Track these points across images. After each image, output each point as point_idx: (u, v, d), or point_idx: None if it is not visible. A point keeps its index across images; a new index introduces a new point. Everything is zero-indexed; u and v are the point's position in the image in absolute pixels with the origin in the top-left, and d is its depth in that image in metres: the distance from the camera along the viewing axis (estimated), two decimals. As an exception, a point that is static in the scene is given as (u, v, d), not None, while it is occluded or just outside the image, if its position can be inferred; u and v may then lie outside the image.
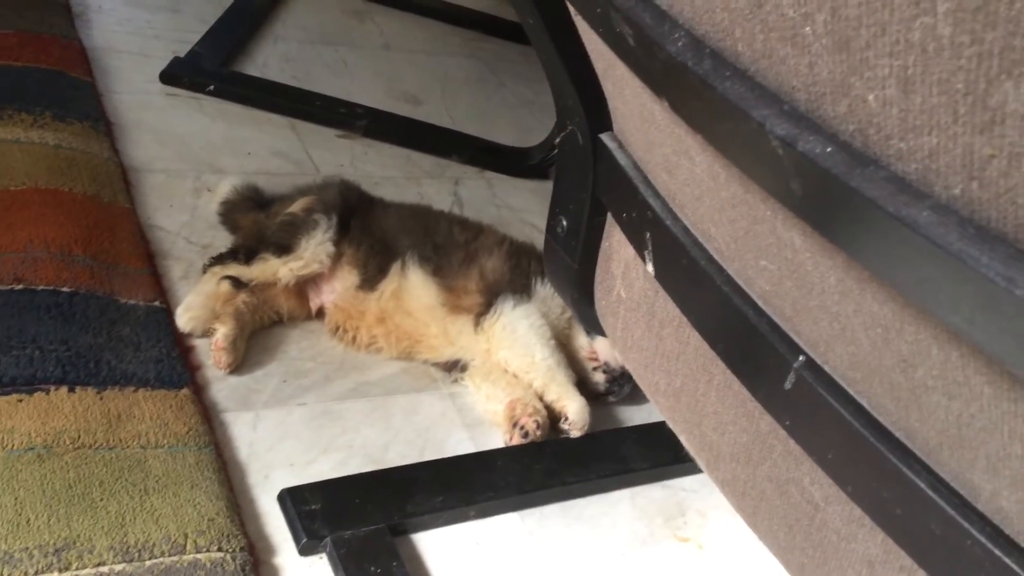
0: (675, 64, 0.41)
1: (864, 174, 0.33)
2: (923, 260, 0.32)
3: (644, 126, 0.62)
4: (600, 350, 1.37)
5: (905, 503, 0.52)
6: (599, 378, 1.37)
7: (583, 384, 1.35)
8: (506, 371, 1.33)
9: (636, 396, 1.40)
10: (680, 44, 0.40)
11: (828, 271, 0.46)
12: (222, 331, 1.24)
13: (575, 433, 1.28)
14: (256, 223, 1.43)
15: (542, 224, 1.82)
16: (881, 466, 0.53)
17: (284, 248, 1.33)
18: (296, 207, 1.38)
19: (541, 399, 1.30)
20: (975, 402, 0.42)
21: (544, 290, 1.37)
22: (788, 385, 0.59)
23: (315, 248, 1.34)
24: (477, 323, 1.33)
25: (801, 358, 0.57)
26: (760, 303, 0.60)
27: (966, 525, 0.49)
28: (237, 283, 1.30)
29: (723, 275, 0.63)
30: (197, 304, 1.27)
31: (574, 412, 1.28)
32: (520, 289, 1.36)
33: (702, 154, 0.52)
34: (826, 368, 0.56)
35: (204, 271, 1.33)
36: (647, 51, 0.44)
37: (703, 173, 0.54)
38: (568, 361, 1.35)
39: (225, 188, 1.52)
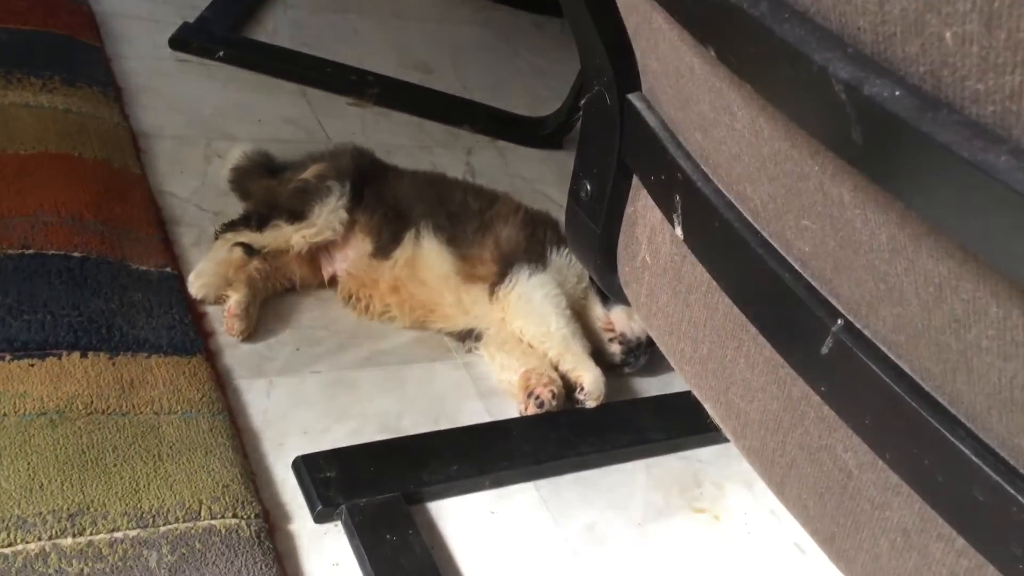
0: (728, 7, 0.39)
1: (936, 118, 0.31)
2: (999, 208, 0.30)
3: (679, 82, 0.60)
4: (617, 321, 1.36)
5: (947, 469, 0.51)
6: (615, 349, 1.36)
7: (599, 355, 1.34)
8: (521, 341, 1.32)
9: (653, 367, 1.39)
10: (734, -14, 0.38)
11: (879, 228, 0.44)
12: (235, 298, 1.22)
13: (590, 403, 1.27)
14: (268, 190, 1.42)
15: (555, 194, 1.81)
16: (922, 431, 0.52)
17: (297, 215, 1.31)
18: (309, 173, 1.36)
19: (556, 369, 1.29)
20: (1035, 363, 0.41)
21: (560, 259, 1.36)
22: (825, 350, 0.57)
23: (328, 215, 1.32)
24: (492, 292, 1.32)
25: (840, 322, 0.56)
26: (797, 266, 0.59)
27: (1012, 491, 0.47)
28: (250, 250, 1.29)
29: (758, 237, 0.61)
30: (209, 270, 1.26)
31: (589, 382, 1.27)
32: (535, 258, 1.34)
33: (745, 108, 0.50)
34: (866, 332, 0.54)
35: (216, 237, 1.32)
36: (695, -4, 0.42)
37: (744, 129, 0.52)
38: (584, 332, 1.34)
39: (236, 154, 1.50)
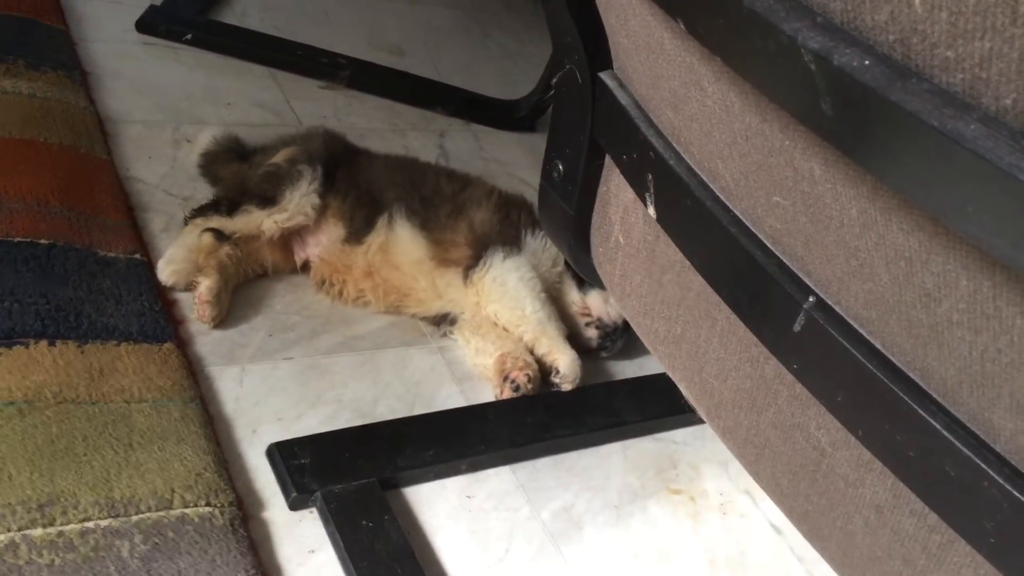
0: (695, -22, 0.38)
1: (905, 87, 0.31)
2: (969, 177, 0.30)
3: (650, 59, 0.59)
4: (593, 305, 1.36)
5: (919, 445, 0.51)
6: (592, 334, 1.36)
7: (575, 338, 1.33)
8: (496, 324, 1.31)
9: (628, 350, 1.39)
10: (701, -43, 0.38)
11: (850, 202, 0.44)
12: (205, 284, 1.20)
13: (566, 386, 1.27)
14: (238, 174, 1.40)
15: (530, 177, 1.80)
16: (894, 408, 0.51)
17: (268, 200, 1.30)
18: (279, 157, 1.35)
19: (532, 352, 1.29)
20: (1004, 336, 0.40)
21: (535, 242, 1.35)
22: (797, 327, 0.57)
23: (300, 200, 1.30)
24: (466, 276, 1.31)
25: (811, 299, 0.55)
26: (769, 243, 0.58)
27: (983, 466, 0.47)
28: (220, 235, 1.27)
29: (730, 215, 0.61)
30: (179, 256, 1.24)
31: (565, 365, 1.26)
32: (510, 241, 1.33)
33: (715, 83, 0.50)
34: (838, 308, 0.54)
35: (186, 223, 1.30)
36: (663, -33, 0.41)
37: (714, 104, 0.52)
38: (559, 315, 1.33)
39: (205, 139, 1.48)
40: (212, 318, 1.20)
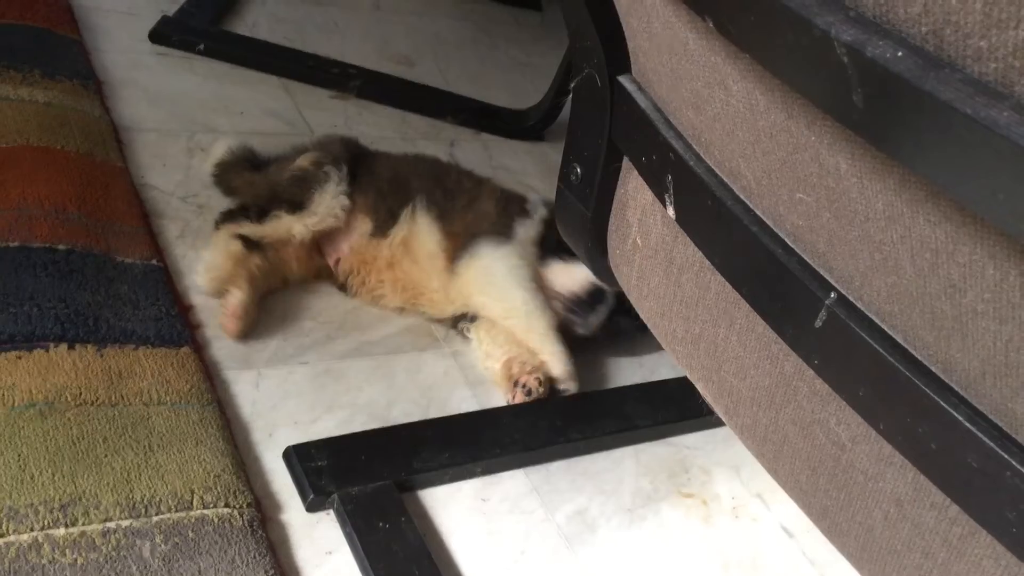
0: (727, -24, 0.39)
1: (938, 76, 0.32)
2: (1001, 163, 0.31)
3: (672, 60, 0.60)
4: (553, 278, 1.32)
5: (941, 437, 0.52)
6: (557, 308, 1.32)
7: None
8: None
9: (639, 354, 1.40)
10: (733, -45, 0.39)
11: (876, 196, 0.45)
12: (237, 296, 1.20)
13: (571, 387, 1.27)
14: (252, 184, 1.41)
15: (539, 185, 1.81)
16: (916, 401, 0.52)
17: (297, 204, 1.30)
18: (304, 161, 1.35)
19: (529, 349, 1.28)
20: (1030, 325, 0.41)
21: (523, 231, 1.34)
22: (819, 323, 0.58)
23: (329, 201, 1.31)
24: (451, 268, 1.30)
25: (833, 295, 0.56)
26: (790, 241, 0.59)
27: (1005, 456, 0.48)
28: (248, 243, 1.27)
29: (751, 215, 0.62)
30: (218, 263, 1.24)
31: (559, 370, 1.26)
32: (500, 230, 1.32)
33: (741, 82, 0.51)
34: (859, 304, 0.55)
35: (216, 227, 1.30)
36: (693, -34, 0.42)
37: (739, 103, 0.53)
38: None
39: (220, 149, 1.49)
40: (239, 332, 1.20)
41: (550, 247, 1.32)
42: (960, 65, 0.32)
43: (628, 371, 1.41)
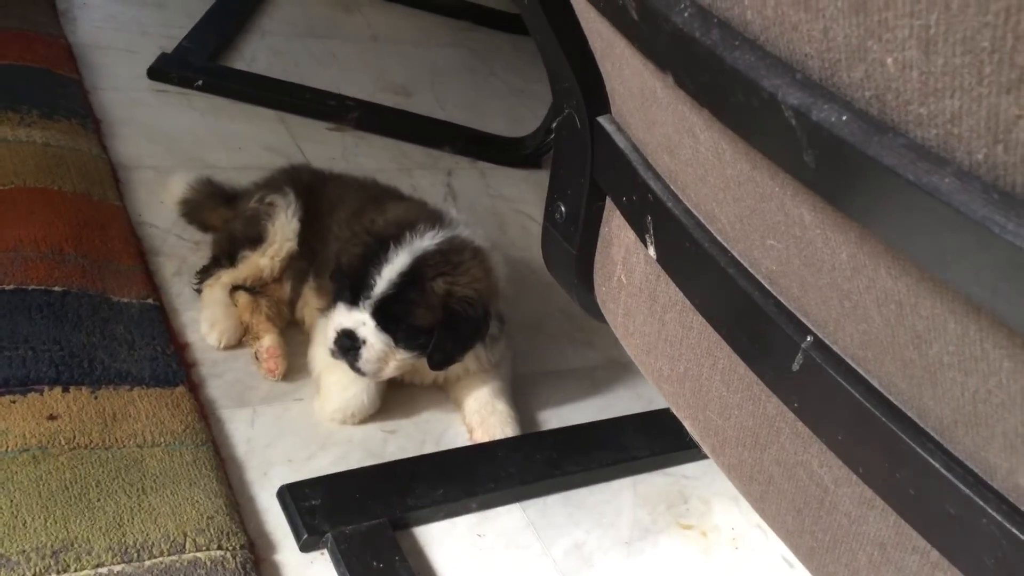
0: (682, 36, 0.40)
1: (882, 141, 0.32)
2: (945, 228, 0.31)
3: (644, 105, 0.60)
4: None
5: (918, 483, 0.52)
6: None
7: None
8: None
9: (635, 385, 1.40)
10: (687, 14, 0.39)
11: (839, 247, 0.45)
12: (270, 338, 1.24)
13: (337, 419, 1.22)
14: (228, 222, 1.40)
15: (537, 214, 1.81)
16: (893, 446, 0.52)
17: (256, 240, 1.32)
18: (252, 201, 1.36)
19: None
20: (993, 377, 0.41)
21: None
22: (796, 366, 0.58)
23: (284, 228, 1.32)
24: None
25: (809, 338, 0.56)
26: (766, 284, 0.59)
27: (981, 503, 0.48)
28: (249, 290, 1.30)
29: (727, 256, 0.62)
30: (220, 315, 1.26)
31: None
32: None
33: (707, 131, 0.51)
34: (835, 348, 0.55)
35: (198, 288, 1.31)
36: (651, 23, 0.42)
37: (707, 151, 0.53)
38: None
39: (179, 187, 1.48)
40: (283, 371, 1.23)
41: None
42: (903, 130, 0.32)
43: (625, 401, 1.40)
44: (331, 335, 1.14)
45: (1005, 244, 0.29)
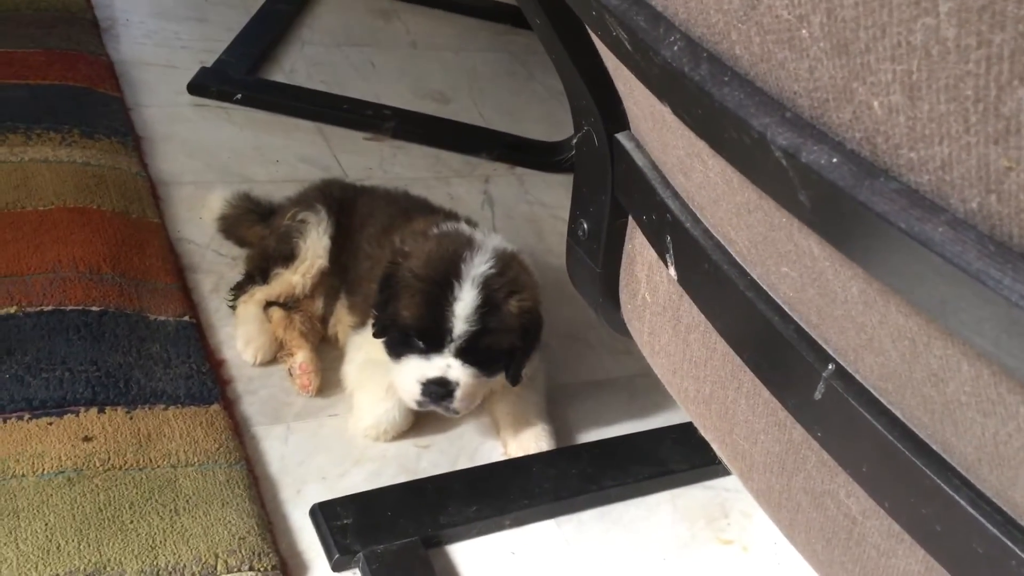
0: (671, 70, 0.38)
1: (873, 186, 0.30)
2: (941, 280, 0.29)
3: (656, 127, 0.59)
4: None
5: (945, 520, 0.49)
6: None
7: None
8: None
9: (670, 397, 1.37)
10: (676, 48, 0.37)
11: (850, 281, 0.43)
12: (303, 354, 1.24)
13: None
14: (263, 239, 1.41)
15: (574, 220, 1.79)
16: (918, 480, 0.50)
17: (288, 257, 1.32)
18: (286, 217, 1.37)
19: None
20: (1011, 421, 0.39)
21: None
22: (818, 395, 0.56)
23: (315, 245, 1.32)
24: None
25: (831, 367, 0.54)
26: (786, 308, 0.57)
27: (1010, 545, 0.45)
28: (283, 306, 1.31)
29: (746, 279, 0.60)
30: (255, 332, 1.27)
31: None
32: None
33: (714, 158, 0.49)
34: (857, 377, 0.53)
35: (234, 301, 1.32)
36: (644, 55, 0.41)
37: (716, 177, 0.51)
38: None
39: (217, 203, 1.50)
40: (317, 387, 1.23)
41: None
42: (896, 173, 0.30)
43: (665, 411, 1.38)
44: (414, 390, 1.12)
45: (1002, 300, 0.27)
